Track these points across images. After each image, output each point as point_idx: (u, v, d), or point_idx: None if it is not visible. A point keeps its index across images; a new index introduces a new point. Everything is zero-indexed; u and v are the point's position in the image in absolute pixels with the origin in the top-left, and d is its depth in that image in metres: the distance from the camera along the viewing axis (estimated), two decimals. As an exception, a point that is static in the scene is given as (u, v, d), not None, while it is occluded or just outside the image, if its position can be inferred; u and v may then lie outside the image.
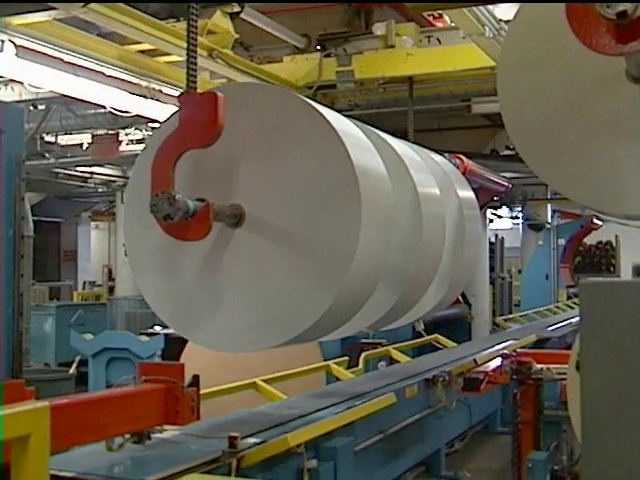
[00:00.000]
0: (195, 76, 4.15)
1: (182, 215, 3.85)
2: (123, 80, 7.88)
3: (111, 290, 19.65)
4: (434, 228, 5.39)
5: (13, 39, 6.53)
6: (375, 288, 4.59)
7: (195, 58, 4.22)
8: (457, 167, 9.65)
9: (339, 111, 10.56)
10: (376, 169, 4.52)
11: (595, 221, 19.88)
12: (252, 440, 4.04)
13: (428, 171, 5.74)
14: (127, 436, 3.43)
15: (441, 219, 5.57)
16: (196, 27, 4.25)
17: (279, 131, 4.28)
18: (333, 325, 4.56)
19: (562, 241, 20.00)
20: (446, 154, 9.57)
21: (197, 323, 4.36)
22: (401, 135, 11.84)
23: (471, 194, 6.72)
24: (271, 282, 4.22)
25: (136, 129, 11.61)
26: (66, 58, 7.10)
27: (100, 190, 17.62)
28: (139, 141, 12.18)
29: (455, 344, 9.18)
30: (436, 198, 5.58)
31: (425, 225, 5.16)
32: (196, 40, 4.24)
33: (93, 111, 10.38)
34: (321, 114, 4.19)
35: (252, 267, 4.27)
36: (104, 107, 9.30)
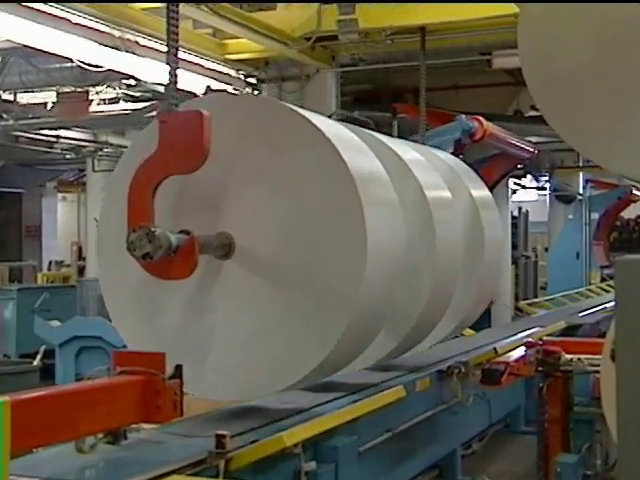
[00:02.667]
0: (177, 89, 4.11)
1: (164, 253, 3.85)
2: (93, 29, 7.82)
3: (81, 271, 19.65)
4: (448, 250, 5.39)
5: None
6: (379, 331, 4.64)
7: (176, 69, 4.17)
8: (475, 130, 9.63)
9: (341, 66, 10.49)
10: (384, 193, 4.53)
11: (635, 192, 19.87)
12: (242, 439, 4.05)
13: (442, 184, 5.70)
14: (100, 436, 3.44)
15: (456, 234, 5.55)
16: (177, 32, 4.21)
17: (273, 151, 4.30)
18: (328, 372, 4.70)
19: (595, 215, 20.00)
20: (463, 116, 9.54)
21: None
22: (412, 94, 11.75)
23: (486, 192, 6.73)
24: (261, 325, 4.28)
25: (108, 86, 11.54)
26: (25, 2, 7.04)
27: (67, 157, 17.53)
28: (112, 100, 12.13)
29: (473, 331, 9.19)
30: (451, 214, 5.57)
31: (438, 249, 5.17)
32: (177, 42, 4.19)
33: (58, 65, 10.30)
34: (320, 131, 4.19)
35: (242, 306, 4.35)
36: (71, 60, 9.25)
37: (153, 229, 3.85)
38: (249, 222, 4.31)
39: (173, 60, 4.25)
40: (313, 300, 4.19)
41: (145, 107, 12.28)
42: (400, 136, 11.10)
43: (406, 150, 5.67)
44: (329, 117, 9.31)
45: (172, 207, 4.31)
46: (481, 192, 6.63)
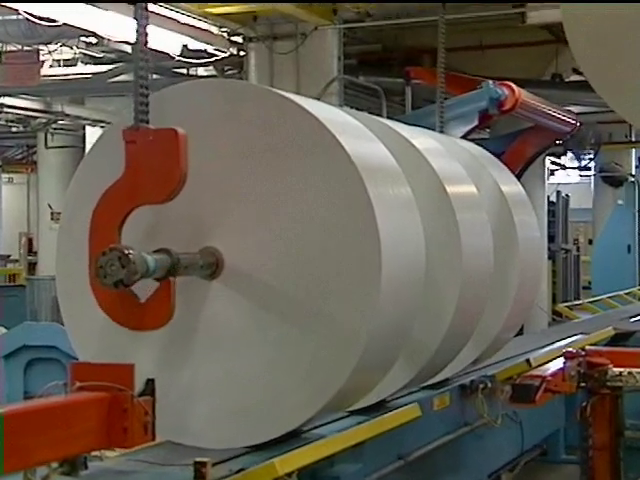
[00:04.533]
0: (147, 103, 4.02)
1: (140, 278, 3.86)
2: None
3: (32, 267, 19.70)
4: (476, 262, 5.40)
5: None
6: (392, 367, 4.71)
7: (146, 78, 4.07)
8: (505, 99, 9.64)
9: (344, 22, 10.46)
10: (402, 201, 4.54)
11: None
12: (226, 467, 4.07)
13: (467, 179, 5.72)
14: (54, 465, 3.45)
15: (486, 240, 5.56)
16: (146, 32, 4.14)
17: (269, 149, 4.30)
18: (331, 413, 4.76)
19: (651, 200, 20.04)
20: (490, 81, 9.55)
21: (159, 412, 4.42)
22: (429, 55, 11.74)
23: (519, 187, 6.74)
24: (254, 360, 4.32)
25: (63, 45, 11.54)
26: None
27: (14, 130, 17.58)
28: (68, 62, 12.12)
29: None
30: (479, 216, 5.59)
31: (464, 261, 5.19)
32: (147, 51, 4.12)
33: (1, 17, 10.29)
34: (326, 128, 4.19)
35: (230, 338, 4.37)
36: (17, 12, 9.22)
37: (126, 251, 3.84)
38: (239, 236, 4.33)
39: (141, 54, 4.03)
40: (314, 335, 4.22)
41: (108, 70, 12.27)
42: (415, 106, 11.13)
43: (421, 138, 5.67)
44: (330, 83, 9.34)
45: (144, 220, 4.30)
46: (513, 187, 6.62)
